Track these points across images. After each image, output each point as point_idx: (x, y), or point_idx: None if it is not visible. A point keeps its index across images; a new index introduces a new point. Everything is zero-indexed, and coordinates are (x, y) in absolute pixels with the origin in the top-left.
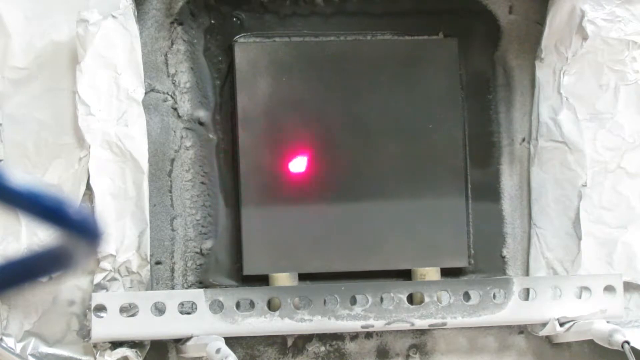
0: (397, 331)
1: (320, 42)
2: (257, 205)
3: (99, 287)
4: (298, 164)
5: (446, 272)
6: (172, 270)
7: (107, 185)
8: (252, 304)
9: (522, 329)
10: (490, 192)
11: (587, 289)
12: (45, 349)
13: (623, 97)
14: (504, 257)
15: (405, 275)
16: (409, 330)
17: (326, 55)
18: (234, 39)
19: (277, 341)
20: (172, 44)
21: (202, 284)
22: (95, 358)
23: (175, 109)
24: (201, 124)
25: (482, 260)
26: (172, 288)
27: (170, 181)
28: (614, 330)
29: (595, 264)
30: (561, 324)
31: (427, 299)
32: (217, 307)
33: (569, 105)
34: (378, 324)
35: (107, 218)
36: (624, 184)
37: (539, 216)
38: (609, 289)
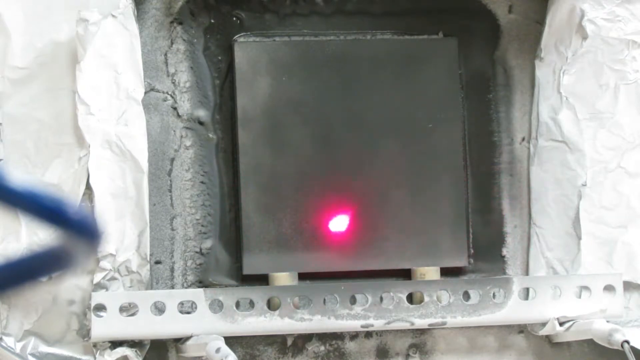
0: (397, 331)
1: (320, 41)
2: (257, 205)
3: (98, 286)
4: (297, 164)
5: (446, 272)
6: (172, 270)
7: (107, 185)
8: (251, 304)
9: (522, 329)
10: (490, 191)
11: (587, 288)
12: (45, 349)
13: (623, 96)
14: (503, 257)
15: (405, 274)
16: (408, 329)
17: (326, 54)
18: (234, 38)
19: (277, 341)
20: (172, 43)
21: (202, 283)
22: (95, 357)
23: (175, 109)
24: (201, 123)
25: (482, 260)
26: (172, 287)
27: (170, 181)
28: (613, 330)
29: (595, 264)
30: (561, 324)
31: (426, 299)
32: (216, 306)
33: (568, 105)
34: (378, 324)
35: (107, 217)
36: (624, 184)
37: (539, 216)
38: (609, 288)
